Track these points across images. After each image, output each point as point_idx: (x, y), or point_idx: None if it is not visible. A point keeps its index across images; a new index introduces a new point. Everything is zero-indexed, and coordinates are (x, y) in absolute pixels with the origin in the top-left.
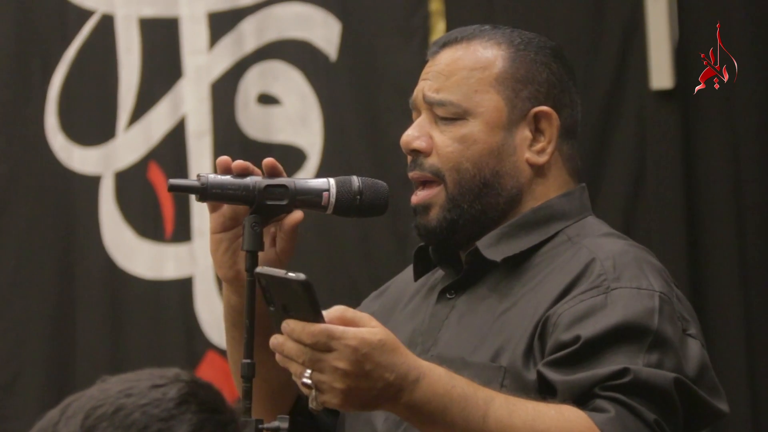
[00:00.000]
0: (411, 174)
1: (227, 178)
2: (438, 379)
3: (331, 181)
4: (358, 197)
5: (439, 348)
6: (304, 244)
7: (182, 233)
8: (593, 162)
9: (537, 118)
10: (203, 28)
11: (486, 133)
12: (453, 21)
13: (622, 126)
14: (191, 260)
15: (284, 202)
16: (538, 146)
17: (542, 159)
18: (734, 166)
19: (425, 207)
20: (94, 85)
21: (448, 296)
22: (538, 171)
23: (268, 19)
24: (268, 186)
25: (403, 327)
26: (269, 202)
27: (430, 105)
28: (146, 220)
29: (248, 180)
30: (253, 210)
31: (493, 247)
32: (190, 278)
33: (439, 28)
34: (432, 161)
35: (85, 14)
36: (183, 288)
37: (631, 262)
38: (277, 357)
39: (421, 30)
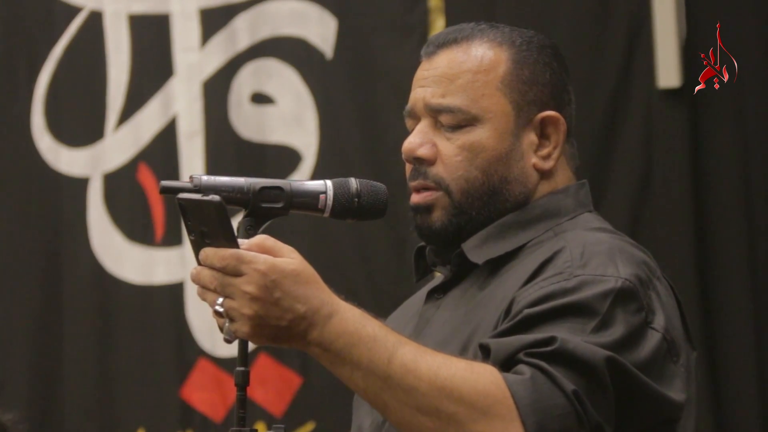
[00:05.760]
0: (413, 183)
1: (221, 179)
2: (351, 317)
3: (328, 183)
4: (356, 200)
5: None
6: (299, 248)
7: (173, 237)
8: (599, 161)
9: (543, 123)
10: (195, 24)
11: (495, 139)
12: (453, 17)
13: (628, 125)
14: (182, 265)
15: (280, 205)
16: (545, 151)
17: (549, 164)
18: (742, 165)
19: (426, 207)
20: (82, 83)
21: (436, 296)
22: (545, 174)
23: (261, 15)
24: (263, 188)
25: (401, 330)
26: (264, 205)
27: (435, 112)
28: (136, 224)
29: (243, 181)
30: (247, 213)
31: (478, 249)
32: (181, 283)
33: (438, 25)
34: (437, 171)
35: (73, 11)
36: (174, 293)
37: (603, 252)
38: (197, 291)
39: (420, 27)
